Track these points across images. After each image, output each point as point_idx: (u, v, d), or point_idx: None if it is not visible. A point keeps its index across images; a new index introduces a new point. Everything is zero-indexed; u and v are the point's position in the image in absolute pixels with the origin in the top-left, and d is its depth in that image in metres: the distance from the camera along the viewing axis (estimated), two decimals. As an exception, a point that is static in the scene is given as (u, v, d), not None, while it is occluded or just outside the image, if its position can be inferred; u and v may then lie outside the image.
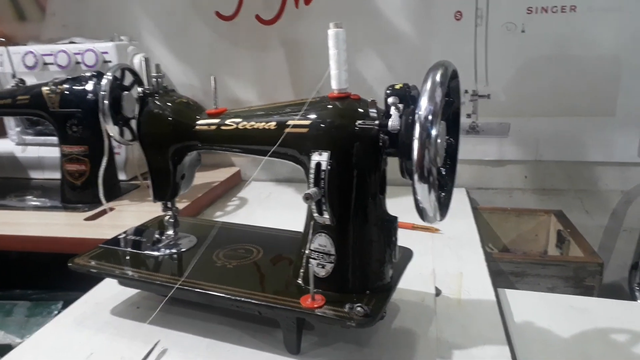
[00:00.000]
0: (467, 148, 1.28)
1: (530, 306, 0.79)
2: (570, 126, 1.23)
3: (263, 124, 0.64)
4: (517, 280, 0.97)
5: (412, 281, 0.76)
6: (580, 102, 1.22)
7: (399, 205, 0.67)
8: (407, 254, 0.71)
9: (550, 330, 0.72)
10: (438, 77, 0.51)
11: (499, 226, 1.26)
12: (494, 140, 1.28)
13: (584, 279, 0.94)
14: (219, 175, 1.35)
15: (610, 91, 1.20)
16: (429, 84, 0.51)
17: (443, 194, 0.59)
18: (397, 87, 0.56)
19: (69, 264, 0.71)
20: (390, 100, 0.55)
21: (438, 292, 0.76)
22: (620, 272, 1.29)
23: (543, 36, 1.19)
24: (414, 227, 1.00)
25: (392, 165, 0.59)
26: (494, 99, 1.25)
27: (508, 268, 0.97)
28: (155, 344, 0.64)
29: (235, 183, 1.41)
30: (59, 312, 0.77)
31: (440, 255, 0.90)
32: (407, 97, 0.56)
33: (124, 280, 0.72)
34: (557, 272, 0.95)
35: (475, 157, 1.30)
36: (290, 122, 0.61)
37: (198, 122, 0.70)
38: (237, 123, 0.66)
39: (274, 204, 1.25)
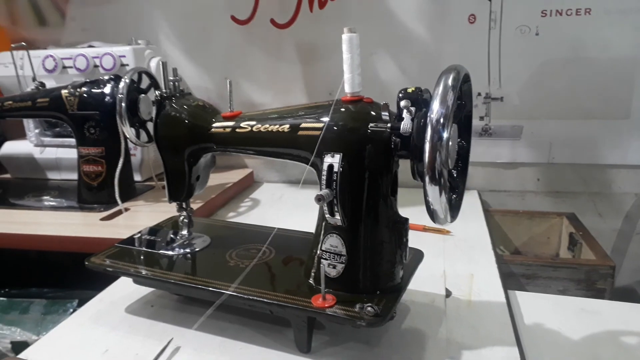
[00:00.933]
0: (480, 150, 1.28)
1: (541, 308, 0.79)
2: (583, 129, 1.23)
3: (277, 126, 0.65)
4: (528, 282, 0.97)
5: (423, 282, 0.76)
6: (594, 104, 1.21)
7: (410, 207, 0.68)
8: (418, 255, 0.72)
9: (560, 333, 0.72)
10: (450, 81, 0.52)
11: (510, 229, 1.26)
12: (507, 142, 1.28)
13: (595, 281, 0.93)
14: (232, 176, 1.37)
15: (625, 94, 1.19)
16: (440, 88, 0.52)
17: (454, 196, 0.59)
18: (410, 90, 0.57)
19: (86, 263, 0.73)
20: (402, 103, 0.56)
21: (448, 294, 0.77)
22: (633, 276, 1.28)
23: (557, 39, 1.18)
24: (425, 229, 1.01)
25: (404, 167, 0.60)
26: (507, 101, 1.25)
27: (519, 270, 0.97)
28: (169, 342, 0.65)
29: (248, 184, 1.43)
30: (75, 310, 0.78)
31: (451, 257, 0.90)
32: (420, 100, 0.56)
33: (139, 279, 0.74)
34: (569, 274, 0.94)
35: (488, 160, 1.30)
36: (304, 125, 0.63)
37: (214, 125, 0.71)
38: (252, 126, 0.67)
39: (286, 206, 1.26)
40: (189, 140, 0.73)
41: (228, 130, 0.70)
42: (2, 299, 1.03)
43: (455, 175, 0.61)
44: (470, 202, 1.22)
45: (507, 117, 1.26)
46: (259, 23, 1.34)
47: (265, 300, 0.61)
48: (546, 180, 1.29)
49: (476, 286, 0.79)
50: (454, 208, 0.59)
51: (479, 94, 1.25)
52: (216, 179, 1.31)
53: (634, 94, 1.18)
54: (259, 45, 1.35)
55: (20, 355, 0.65)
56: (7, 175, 1.43)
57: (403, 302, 0.72)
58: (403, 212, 0.64)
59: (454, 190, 0.60)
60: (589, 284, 0.94)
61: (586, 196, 1.28)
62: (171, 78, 0.74)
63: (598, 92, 1.20)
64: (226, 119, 0.71)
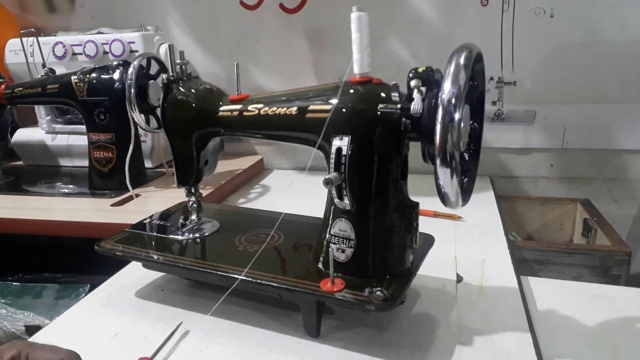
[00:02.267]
0: (492, 135, 1.27)
1: (554, 294, 0.78)
2: (598, 113, 1.20)
3: (284, 109, 0.64)
4: (541, 268, 0.96)
5: (434, 267, 0.76)
6: (610, 88, 1.19)
7: (421, 193, 0.67)
8: (429, 240, 0.71)
9: (574, 319, 0.71)
10: (462, 60, 0.51)
11: (523, 215, 1.24)
12: (520, 127, 1.26)
13: (610, 268, 0.92)
14: (242, 163, 1.37)
15: (642, 77, 1.16)
16: (452, 67, 0.50)
17: (466, 179, 0.58)
18: (420, 70, 0.55)
19: (96, 247, 0.73)
20: (412, 83, 0.54)
21: (460, 279, 0.76)
22: (649, 263, 1.26)
23: (573, 21, 1.16)
24: (435, 215, 0.99)
25: (414, 152, 0.59)
26: (520, 86, 1.23)
27: (532, 256, 0.96)
28: (178, 326, 0.65)
29: (258, 171, 1.42)
30: (86, 295, 0.79)
31: (463, 243, 0.89)
32: (431, 80, 0.55)
33: (149, 264, 0.74)
34: (583, 260, 0.93)
35: (500, 145, 1.28)
36: (312, 107, 0.62)
37: (221, 108, 0.70)
38: (259, 109, 0.67)
39: (296, 192, 1.25)
40: (196, 123, 0.72)
41: (235, 113, 0.69)
42: (15, 283, 1.04)
43: (467, 158, 0.60)
44: (482, 187, 1.21)
45: (520, 102, 1.24)
46: (267, 8, 1.32)
47: (274, 284, 0.61)
48: (560, 165, 1.27)
49: (488, 272, 0.78)
50: (466, 192, 0.57)
51: (492, 78, 1.23)
52: (226, 166, 1.31)
53: (651, 77, 1.16)
54: (268, 30, 1.34)
55: (31, 339, 0.65)
56: (20, 162, 1.44)
57: (413, 287, 0.71)
58: (414, 198, 0.63)
59: (466, 173, 0.58)
60: (603, 270, 0.92)
61: (601, 182, 1.25)
62: (178, 61, 0.73)
63: (614, 76, 1.17)
64: (234, 102, 0.70)
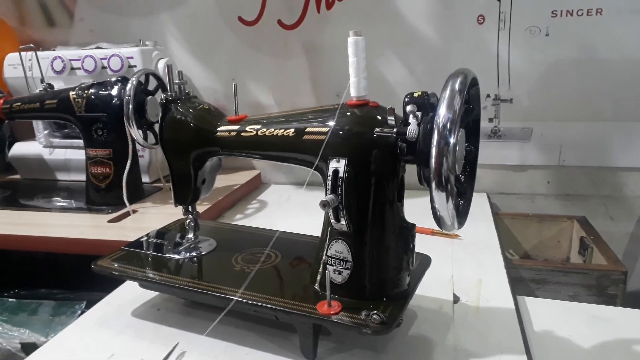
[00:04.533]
0: (489, 152, 1.27)
1: (551, 315, 0.78)
2: (595, 131, 1.21)
3: (282, 130, 0.64)
4: (537, 287, 0.96)
5: (430, 288, 0.76)
6: (606, 106, 1.19)
7: (419, 210, 0.67)
8: (425, 261, 0.71)
9: (571, 340, 0.71)
10: (457, 85, 0.51)
11: (520, 232, 1.24)
12: (516, 144, 1.27)
13: (607, 287, 0.92)
14: (240, 178, 1.37)
15: (637, 95, 1.17)
16: (447, 92, 0.51)
17: (462, 201, 0.59)
18: (416, 94, 0.56)
19: (92, 266, 0.73)
20: (408, 108, 0.55)
21: (456, 300, 0.76)
22: (646, 281, 1.26)
23: (568, 40, 1.17)
24: (433, 233, 1.00)
25: (412, 169, 0.59)
26: (516, 103, 1.23)
27: (528, 275, 0.96)
28: (175, 347, 0.65)
29: (255, 186, 1.42)
30: (82, 312, 0.78)
31: (459, 262, 0.89)
32: (426, 104, 0.55)
33: (145, 283, 0.74)
34: (579, 280, 0.93)
35: (497, 162, 1.29)
36: (309, 129, 0.62)
37: (219, 129, 0.71)
38: (257, 130, 0.67)
39: (294, 208, 1.25)
40: (194, 143, 0.73)
41: (233, 134, 0.69)
42: (11, 300, 1.03)
43: (462, 180, 0.60)
44: (479, 204, 1.21)
45: (517, 119, 1.25)
46: (266, 24, 1.33)
47: (271, 306, 0.61)
48: (556, 183, 1.28)
49: (484, 292, 0.78)
50: (462, 214, 0.58)
51: (488, 96, 1.23)
52: (223, 181, 1.31)
53: (646, 95, 1.17)
54: (266, 46, 1.35)
55: (28, 359, 0.65)
56: (17, 176, 1.44)
57: (410, 308, 0.71)
58: (411, 214, 0.63)
59: (462, 196, 0.59)
60: (600, 290, 0.92)
61: (597, 199, 1.26)
62: (177, 81, 0.73)
63: (609, 94, 1.18)
64: (231, 122, 0.70)
